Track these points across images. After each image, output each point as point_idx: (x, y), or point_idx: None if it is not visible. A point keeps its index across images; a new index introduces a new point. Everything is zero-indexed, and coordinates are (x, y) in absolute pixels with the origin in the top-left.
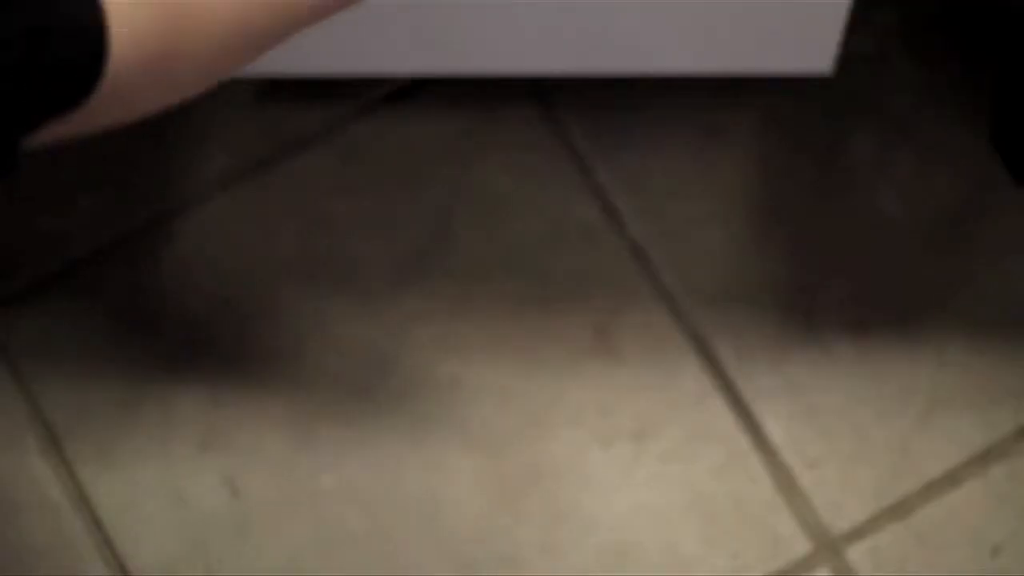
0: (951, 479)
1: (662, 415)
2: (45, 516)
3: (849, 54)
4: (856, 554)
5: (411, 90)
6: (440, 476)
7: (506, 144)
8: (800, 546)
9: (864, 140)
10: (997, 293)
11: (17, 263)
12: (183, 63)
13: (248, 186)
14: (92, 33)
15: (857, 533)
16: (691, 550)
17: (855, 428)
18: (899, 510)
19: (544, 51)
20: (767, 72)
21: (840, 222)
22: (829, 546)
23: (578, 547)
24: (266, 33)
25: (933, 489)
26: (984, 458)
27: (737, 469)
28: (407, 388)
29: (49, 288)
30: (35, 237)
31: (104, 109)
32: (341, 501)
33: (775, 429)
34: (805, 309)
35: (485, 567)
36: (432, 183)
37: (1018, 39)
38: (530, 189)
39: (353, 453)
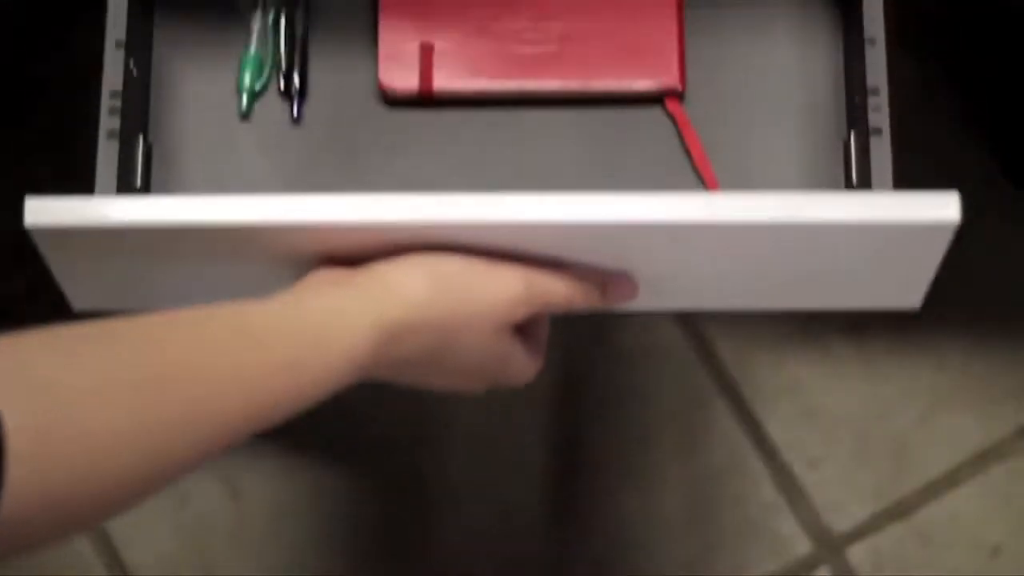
0: (951, 479)
1: (663, 415)
2: None
3: None
4: (856, 554)
5: None
6: (437, 472)
7: None
8: (801, 546)
9: None
10: (996, 294)
11: (18, 263)
12: (85, 506)
13: None
14: None
15: (858, 533)
16: (692, 550)
17: (855, 428)
18: (899, 510)
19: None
20: (859, 309)
21: None
22: (830, 546)
23: (586, 546)
24: (200, 453)
25: (933, 489)
26: (984, 458)
27: (738, 469)
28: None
29: (50, 288)
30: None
31: None
32: (341, 501)
33: (776, 429)
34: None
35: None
36: None
37: (1018, 39)
38: None
39: (354, 452)
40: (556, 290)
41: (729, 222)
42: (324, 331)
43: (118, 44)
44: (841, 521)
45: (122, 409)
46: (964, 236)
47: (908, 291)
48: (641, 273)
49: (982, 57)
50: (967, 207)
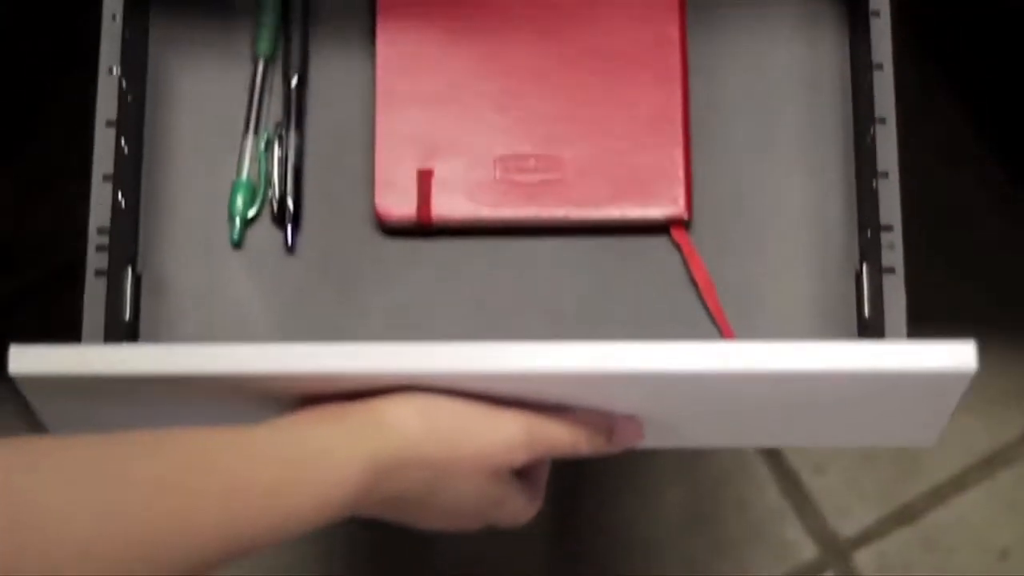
0: (957, 483)
1: None
2: None
3: None
4: (863, 559)
5: None
6: None
7: None
8: (807, 551)
9: None
10: (998, 295)
11: (18, 261)
12: None
13: None
14: None
15: (864, 538)
16: (698, 555)
17: None
18: (906, 515)
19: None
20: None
21: None
22: (836, 551)
23: (591, 549)
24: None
25: (940, 494)
26: (990, 462)
27: (744, 474)
28: None
29: (50, 287)
30: (37, 236)
31: None
32: None
33: None
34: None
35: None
36: None
37: (1018, 39)
38: None
39: None
40: (559, 436)
41: (742, 372)
42: (315, 462)
43: (105, 177)
44: (847, 526)
45: (101, 520)
46: (964, 236)
47: (923, 431)
48: (647, 416)
49: (982, 57)
50: (967, 207)
